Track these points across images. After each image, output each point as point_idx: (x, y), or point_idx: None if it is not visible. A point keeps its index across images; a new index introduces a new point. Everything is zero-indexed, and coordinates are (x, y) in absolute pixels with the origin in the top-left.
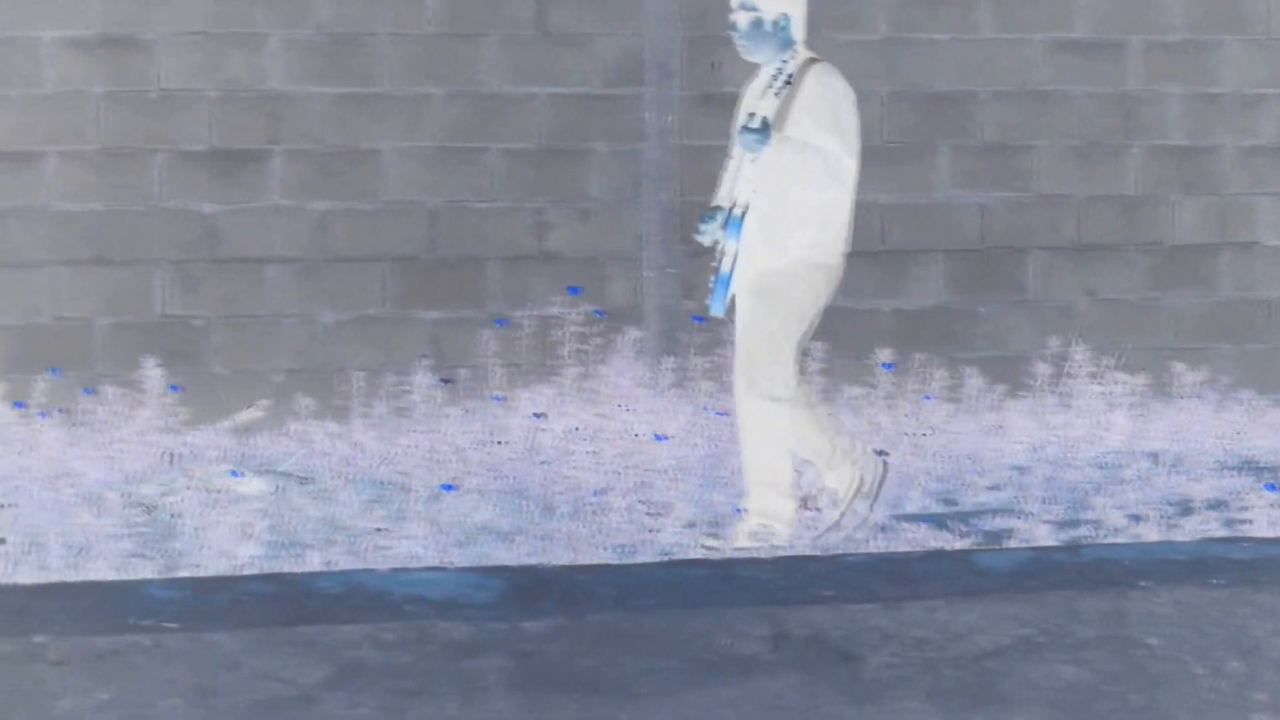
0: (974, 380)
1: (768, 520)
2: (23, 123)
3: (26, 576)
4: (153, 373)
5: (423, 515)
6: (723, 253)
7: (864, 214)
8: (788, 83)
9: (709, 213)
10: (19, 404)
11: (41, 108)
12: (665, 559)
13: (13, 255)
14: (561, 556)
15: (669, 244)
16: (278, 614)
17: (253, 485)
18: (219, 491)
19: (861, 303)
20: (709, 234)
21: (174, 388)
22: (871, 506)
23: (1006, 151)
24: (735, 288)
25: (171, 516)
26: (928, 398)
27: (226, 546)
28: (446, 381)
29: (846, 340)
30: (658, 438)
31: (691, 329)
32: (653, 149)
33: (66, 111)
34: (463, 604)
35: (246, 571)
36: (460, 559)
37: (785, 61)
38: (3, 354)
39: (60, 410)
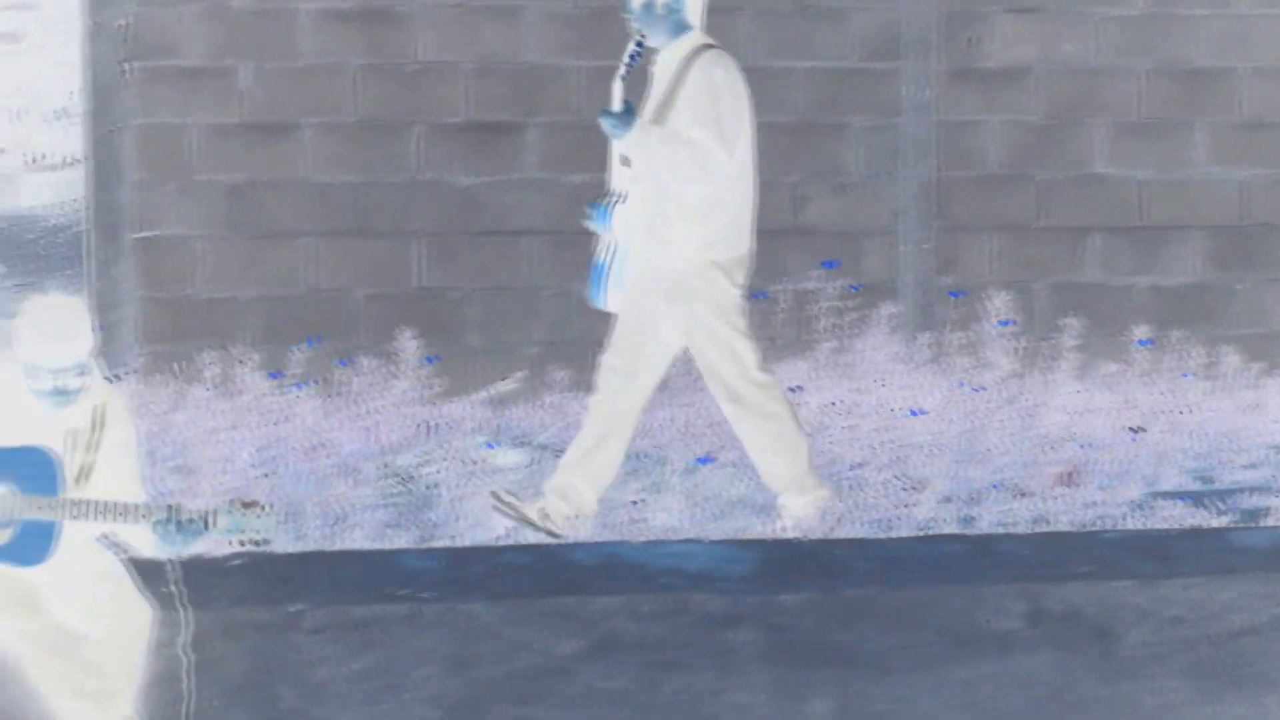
0: (1231, 358)
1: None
2: (281, 95)
3: (284, 546)
4: (409, 344)
5: (679, 488)
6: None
7: (1121, 189)
8: (629, 66)
9: (596, 199)
10: (275, 374)
11: (299, 80)
12: (922, 534)
13: (270, 226)
14: (818, 530)
15: (925, 219)
16: (534, 585)
17: (509, 457)
18: (475, 463)
19: (1118, 279)
20: (591, 222)
21: (430, 359)
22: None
23: (1266, 128)
24: (626, 281)
25: (428, 487)
26: (1185, 375)
27: (483, 518)
28: None
29: (1102, 316)
30: (913, 413)
31: (947, 304)
32: (910, 124)
33: (324, 84)
34: (718, 577)
35: (503, 543)
36: (716, 532)
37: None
38: (260, 324)
39: (316, 381)
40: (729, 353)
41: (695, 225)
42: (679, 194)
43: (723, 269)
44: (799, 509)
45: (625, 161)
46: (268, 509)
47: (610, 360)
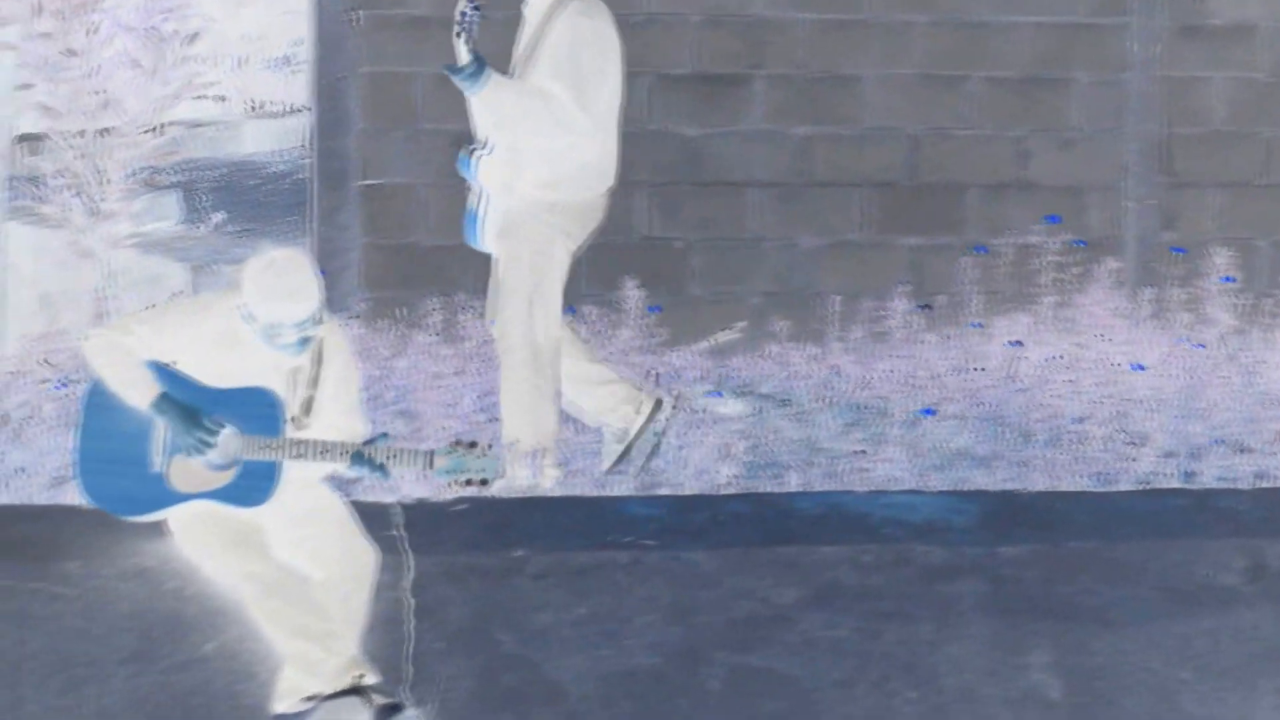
0: None
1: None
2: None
3: (506, 491)
4: (632, 293)
5: (901, 439)
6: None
7: None
8: (462, 25)
9: (462, 148)
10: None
11: None
12: (1143, 488)
13: None
14: (1039, 483)
15: (1150, 175)
16: (756, 534)
17: (732, 406)
18: (699, 411)
19: None
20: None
21: (653, 309)
22: (659, 442)
23: None
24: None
25: (652, 435)
26: None
27: (706, 466)
28: (924, 308)
29: None
30: (1135, 368)
31: (1170, 260)
32: (1136, 79)
33: None
34: (940, 528)
35: (725, 491)
36: (938, 483)
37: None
38: (483, 272)
39: None
40: (527, 301)
41: (541, 166)
42: (532, 145)
43: (558, 213)
44: (519, 478)
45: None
46: (490, 449)
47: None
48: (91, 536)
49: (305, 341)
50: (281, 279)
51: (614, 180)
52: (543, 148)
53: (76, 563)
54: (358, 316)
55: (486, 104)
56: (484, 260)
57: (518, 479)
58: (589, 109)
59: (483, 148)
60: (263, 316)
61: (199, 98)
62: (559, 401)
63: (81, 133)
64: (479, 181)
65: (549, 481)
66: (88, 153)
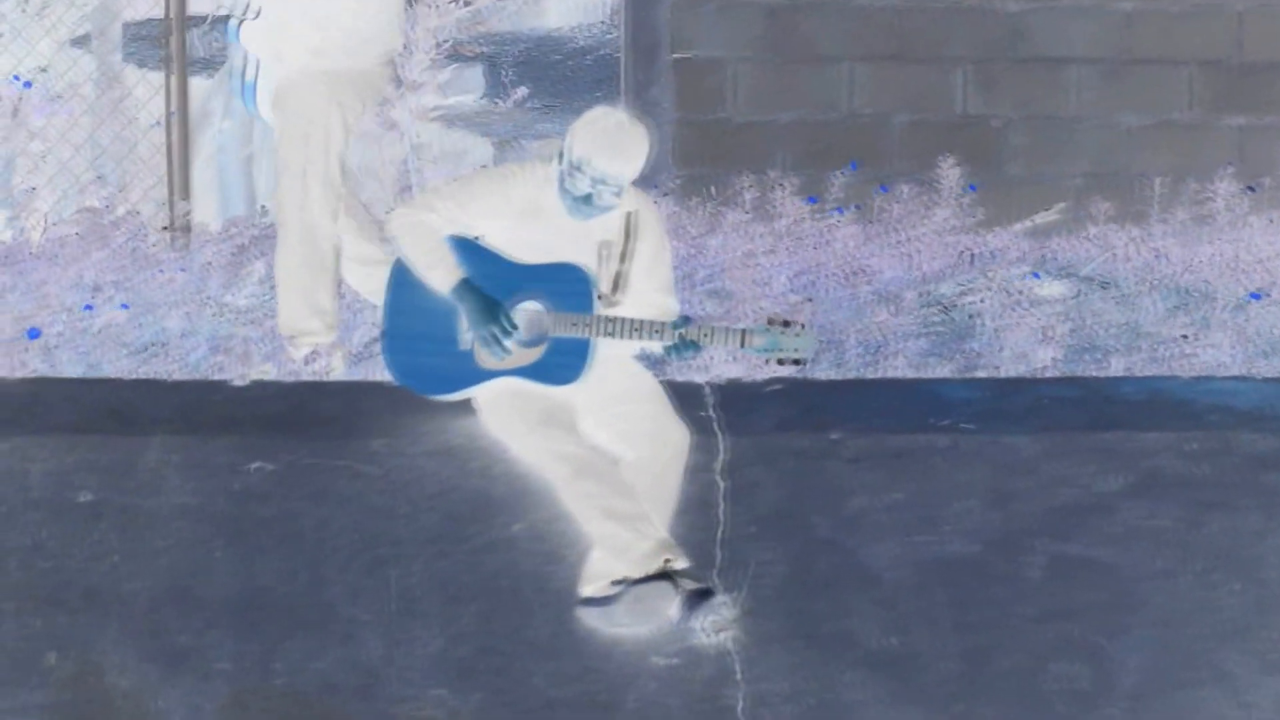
0: None
1: (308, 339)
2: None
3: (823, 373)
4: (950, 172)
5: (1227, 324)
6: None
7: None
8: None
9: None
10: (812, 199)
11: None
12: None
13: (809, 49)
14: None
15: None
16: (1077, 419)
17: (1052, 288)
18: (1017, 293)
19: None
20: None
21: (970, 188)
22: None
23: None
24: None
25: (969, 317)
26: None
27: (1025, 349)
28: (1251, 189)
29: None
30: None
31: None
32: None
33: None
34: (1267, 415)
35: (1046, 375)
36: (1266, 369)
37: None
38: (797, 148)
39: (856, 207)
40: (300, 175)
41: (309, 32)
42: (302, 9)
43: (331, 82)
44: (296, 351)
45: None
46: (805, 328)
47: None
48: (396, 414)
49: (590, 204)
50: (622, 134)
51: (397, 49)
52: (309, 11)
53: (381, 440)
54: (669, 194)
55: None
56: (799, 135)
57: (301, 357)
58: None
59: (247, 13)
60: (576, 152)
61: None
62: (337, 281)
63: None
64: (245, 47)
65: (336, 370)
66: None
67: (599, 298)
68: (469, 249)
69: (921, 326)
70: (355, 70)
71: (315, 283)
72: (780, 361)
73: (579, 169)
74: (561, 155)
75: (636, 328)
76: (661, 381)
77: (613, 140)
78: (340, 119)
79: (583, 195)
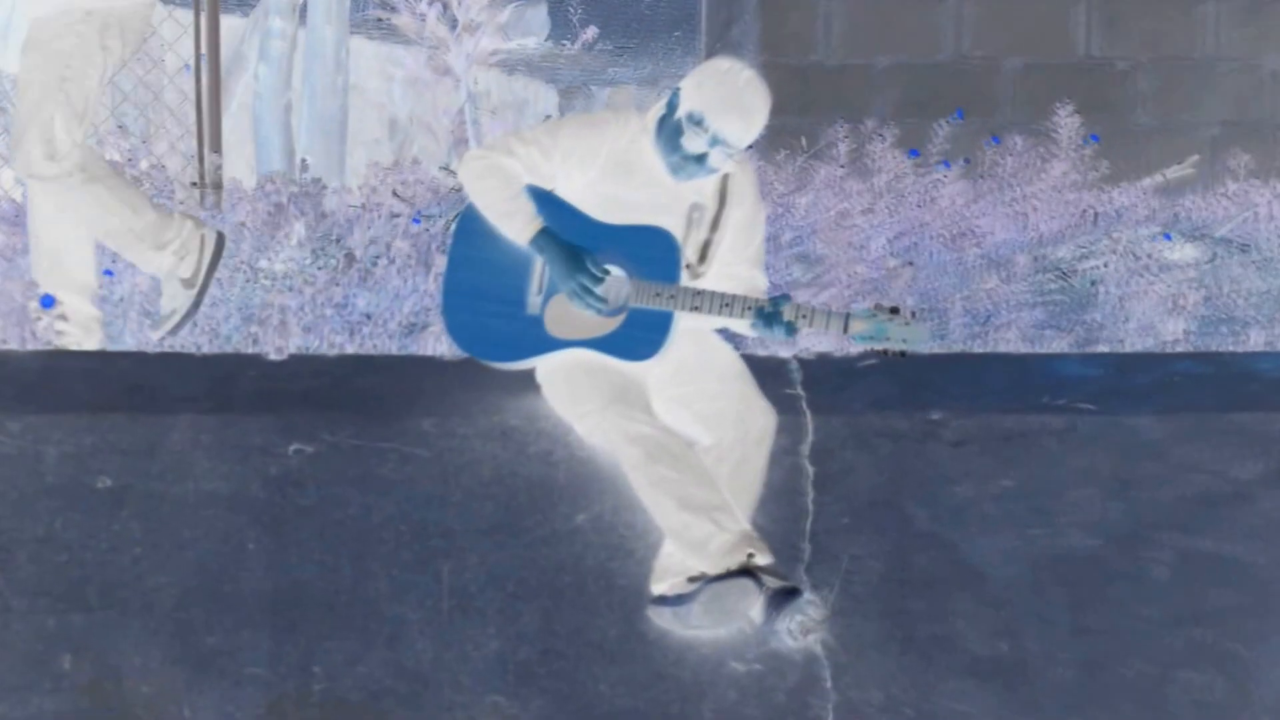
0: None
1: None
2: None
3: (924, 346)
4: (1068, 121)
5: None
6: None
7: None
8: None
9: None
10: (914, 152)
11: None
12: None
13: None
14: None
15: None
16: (1210, 398)
17: (1184, 251)
18: (1145, 258)
19: None
20: None
21: (1092, 138)
22: (201, 290)
23: None
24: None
25: (1090, 284)
26: None
27: (1152, 320)
28: None
29: None
30: None
31: None
32: None
33: None
34: None
35: (1175, 349)
36: None
37: None
38: (897, 95)
39: (963, 160)
40: (48, 119)
41: None
42: None
43: (95, 22)
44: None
45: None
46: (917, 317)
47: None
48: (448, 391)
49: (699, 165)
50: (751, 94)
51: None
52: None
53: (431, 420)
54: (752, 147)
55: None
56: (899, 81)
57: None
58: None
59: None
60: (694, 103)
61: None
62: (90, 242)
63: None
64: None
65: (93, 342)
66: None
67: (685, 267)
68: (547, 202)
69: (1036, 295)
70: (120, 9)
71: (67, 245)
72: (884, 352)
73: (699, 124)
74: (671, 106)
75: (726, 303)
76: (743, 356)
77: (741, 99)
78: (101, 66)
79: (696, 154)
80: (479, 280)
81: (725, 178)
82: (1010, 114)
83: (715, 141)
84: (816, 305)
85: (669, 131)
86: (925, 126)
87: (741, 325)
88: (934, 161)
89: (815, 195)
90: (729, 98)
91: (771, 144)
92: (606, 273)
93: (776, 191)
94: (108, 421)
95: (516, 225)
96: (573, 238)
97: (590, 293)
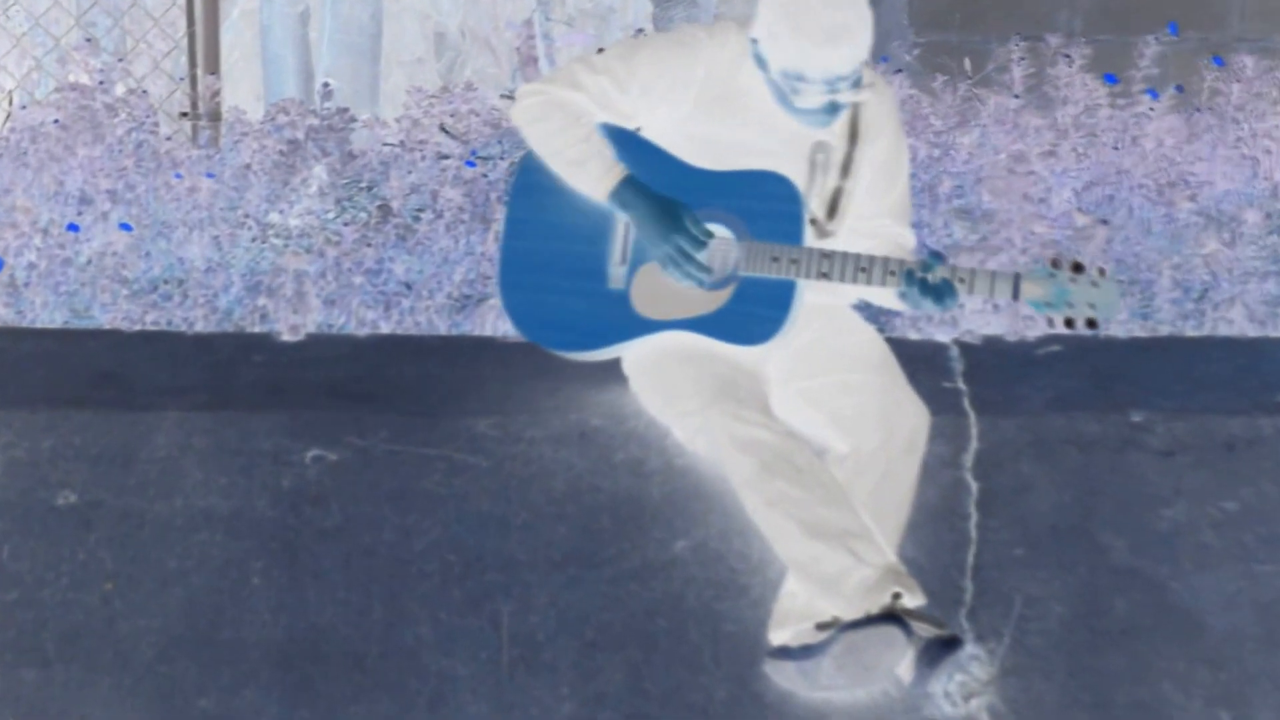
0: None
1: None
2: None
3: (1121, 327)
4: None
5: None
6: None
7: None
8: None
9: None
10: (1111, 78)
11: None
12: None
13: None
14: None
15: None
16: None
17: None
18: None
19: None
20: None
21: None
22: None
23: None
24: None
25: None
26: None
27: None
28: None
29: None
30: None
31: None
32: None
33: None
34: None
35: None
36: None
37: None
38: (1089, 4)
39: (1176, 88)
40: None
41: None
42: None
43: None
44: None
45: None
46: (1106, 275)
47: None
48: (511, 382)
49: (834, 109)
50: (822, 9)
51: None
52: None
53: (489, 420)
54: (901, 71)
55: None
56: None
57: None
58: None
59: None
60: (780, 60)
61: None
62: None
63: None
64: None
65: None
66: None
67: (810, 223)
68: (629, 144)
69: (1269, 262)
70: None
71: None
72: (1068, 322)
73: (800, 79)
74: (760, 61)
75: (864, 267)
76: (887, 339)
77: (825, 17)
78: None
79: (823, 108)
80: (545, 248)
81: (856, 108)
82: (1238, 28)
83: (831, 84)
84: (976, 267)
85: (775, 91)
86: (1126, 44)
87: (884, 296)
88: (1137, 90)
89: (982, 133)
90: (811, 29)
91: (926, 66)
92: (710, 234)
93: (932, 128)
94: (72, 420)
95: (590, 175)
96: (664, 189)
97: (691, 259)
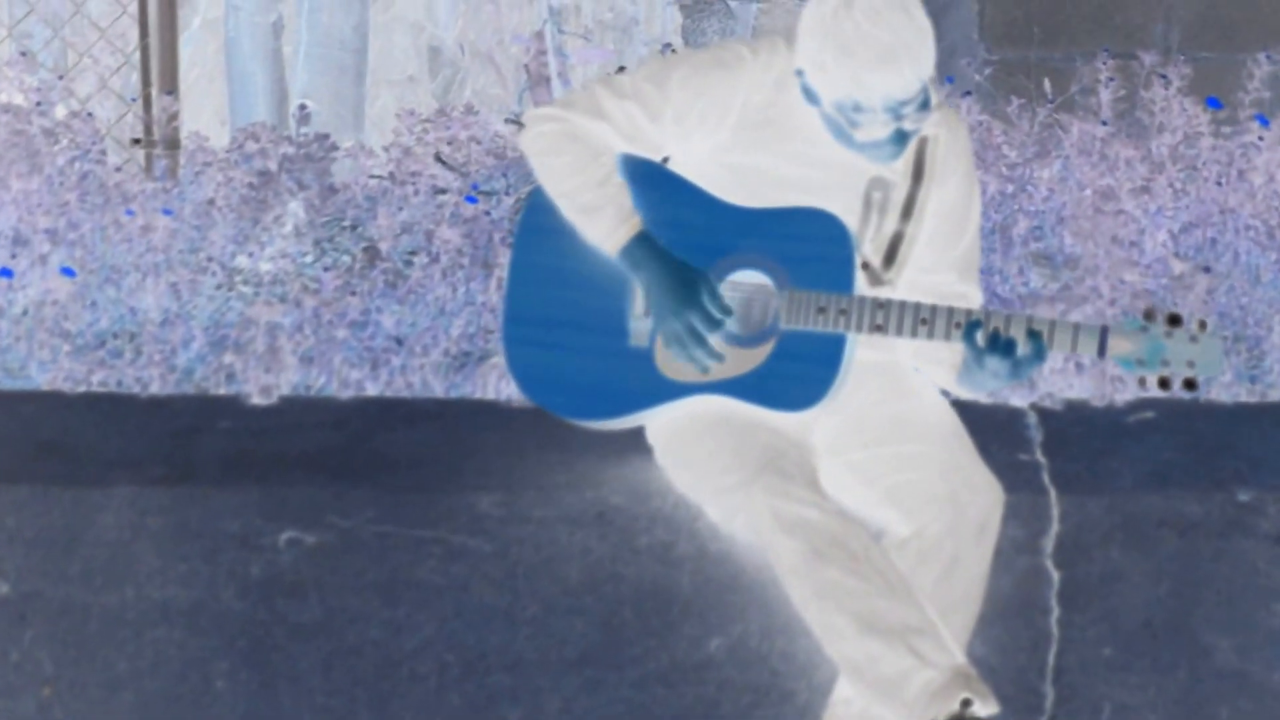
0: None
1: None
2: None
3: (1226, 391)
4: None
5: None
6: None
7: None
8: None
9: None
10: (1215, 102)
11: None
12: None
13: None
14: None
15: None
16: None
17: None
18: None
19: None
20: None
21: None
22: None
23: None
24: None
25: None
26: None
27: None
28: None
29: None
30: None
31: None
32: None
33: None
34: None
35: None
36: None
37: None
38: (1189, 17)
39: None
40: None
41: None
42: None
43: None
44: None
45: None
46: (1207, 330)
47: None
48: (518, 453)
49: (903, 138)
50: (871, 28)
51: None
52: None
53: (493, 497)
54: (970, 93)
55: None
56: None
57: None
58: None
59: None
60: (832, 91)
61: None
62: None
63: None
64: None
65: None
66: None
67: (863, 269)
68: (654, 180)
69: None
70: None
71: None
72: (1163, 383)
73: (858, 110)
74: (809, 94)
75: (924, 319)
76: (954, 404)
77: (875, 35)
78: None
79: (890, 138)
80: (557, 298)
81: (922, 142)
82: None
83: (894, 109)
84: (1055, 319)
85: (833, 127)
86: (1233, 63)
87: (948, 352)
88: (1245, 116)
89: (1064, 165)
90: (861, 51)
91: (999, 87)
92: (729, 312)
93: (1006, 159)
94: (4, 497)
95: (601, 227)
96: (693, 229)
97: (702, 343)
